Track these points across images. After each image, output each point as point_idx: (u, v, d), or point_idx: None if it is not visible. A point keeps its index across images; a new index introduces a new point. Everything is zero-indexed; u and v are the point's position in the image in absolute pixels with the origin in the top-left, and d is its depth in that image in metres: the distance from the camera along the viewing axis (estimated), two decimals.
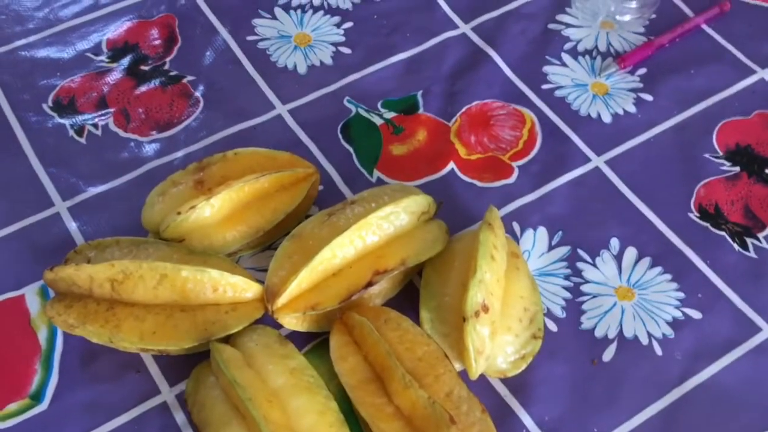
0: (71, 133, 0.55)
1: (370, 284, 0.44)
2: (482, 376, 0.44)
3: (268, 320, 0.45)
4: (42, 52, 0.59)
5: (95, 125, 0.56)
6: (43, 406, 0.44)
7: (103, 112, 0.56)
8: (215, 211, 0.46)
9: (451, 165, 0.54)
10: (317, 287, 0.44)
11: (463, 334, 0.42)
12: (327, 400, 0.41)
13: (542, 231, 0.51)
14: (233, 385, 0.39)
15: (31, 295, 0.48)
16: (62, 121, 0.56)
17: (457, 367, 0.43)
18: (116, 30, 0.61)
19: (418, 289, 0.48)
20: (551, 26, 0.62)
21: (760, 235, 0.51)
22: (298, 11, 0.62)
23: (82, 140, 0.55)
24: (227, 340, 0.44)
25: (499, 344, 0.43)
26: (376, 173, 0.53)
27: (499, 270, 0.44)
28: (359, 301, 0.46)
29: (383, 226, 0.46)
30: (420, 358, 0.42)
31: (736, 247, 0.50)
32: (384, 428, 0.40)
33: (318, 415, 0.40)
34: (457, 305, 0.43)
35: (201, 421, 0.42)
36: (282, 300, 0.43)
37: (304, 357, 0.43)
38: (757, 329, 0.47)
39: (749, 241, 0.51)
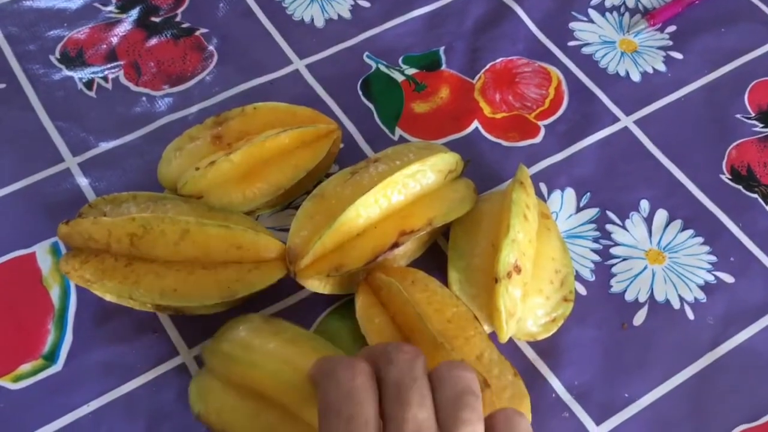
0: (80, 86, 0.53)
1: (396, 245, 0.42)
2: (509, 339, 0.43)
3: (289, 282, 0.43)
4: (47, 2, 0.57)
5: (105, 78, 0.53)
6: (57, 366, 0.43)
7: (112, 64, 0.54)
8: (235, 167, 0.44)
9: (476, 123, 0.52)
10: (341, 248, 0.43)
11: (493, 295, 0.40)
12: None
13: (570, 192, 0.49)
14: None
15: (42, 252, 0.46)
16: (70, 73, 0.54)
17: (486, 329, 0.42)
18: None
19: (442, 250, 0.46)
20: None
21: None
22: None
23: (92, 94, 0.53)
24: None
25: (529, 306, 0.42)
26: (398, 131, 0.52)
27: (531, 230, 0.42)
28: (383, 262, 0.44)
29: (409, 184, 0.44)
30: (449, 320, 0.41)
31: None
32: None
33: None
34: (487, 266, 0.42)
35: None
36: (305, 261, 0.42)
37: (299, 327, 0.41)
38: None
39: None
